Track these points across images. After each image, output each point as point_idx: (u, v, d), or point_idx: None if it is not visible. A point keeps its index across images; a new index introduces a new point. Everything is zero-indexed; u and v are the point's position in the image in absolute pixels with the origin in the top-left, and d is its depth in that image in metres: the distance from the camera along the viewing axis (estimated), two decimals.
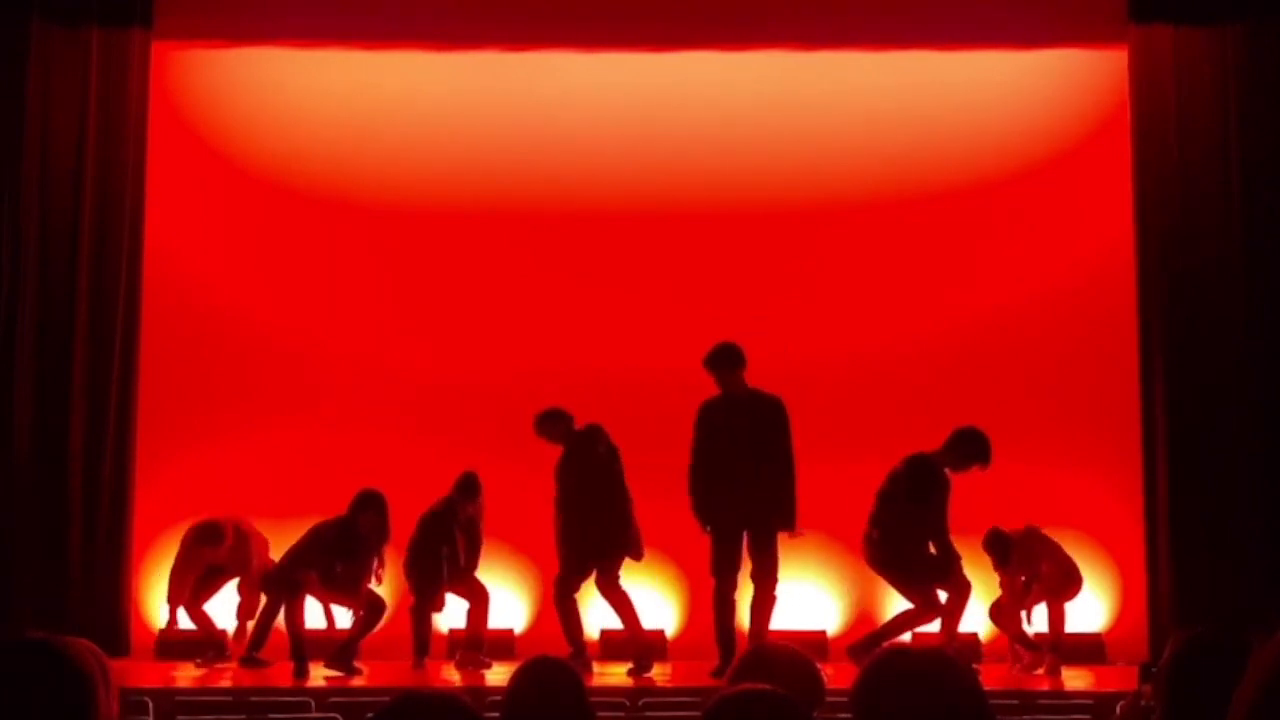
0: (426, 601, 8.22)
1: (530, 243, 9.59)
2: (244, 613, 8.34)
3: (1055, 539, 8.29)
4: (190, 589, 8.32)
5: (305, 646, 7.90)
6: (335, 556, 7.96)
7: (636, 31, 9.55)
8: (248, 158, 9.67)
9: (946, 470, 7.91)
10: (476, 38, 9.60)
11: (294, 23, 9.56)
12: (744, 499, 7.76)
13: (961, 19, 9.51)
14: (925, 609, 7.91)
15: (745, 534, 7.79)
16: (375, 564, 8.12)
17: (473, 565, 8.41)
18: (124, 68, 9.21)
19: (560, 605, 8.08)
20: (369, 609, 8.06)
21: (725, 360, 7.85)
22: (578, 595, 8.13)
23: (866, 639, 7.72)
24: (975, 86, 9.70)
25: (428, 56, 9.75)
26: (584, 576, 8.05)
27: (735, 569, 7.78)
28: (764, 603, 7.75)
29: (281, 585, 7.98)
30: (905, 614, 7.96)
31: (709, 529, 7.84)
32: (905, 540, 7.87)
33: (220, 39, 9.62)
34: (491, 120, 9.63)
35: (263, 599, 8.21)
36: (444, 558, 8.18)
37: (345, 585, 8.04)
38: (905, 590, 7.97)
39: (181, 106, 9.59)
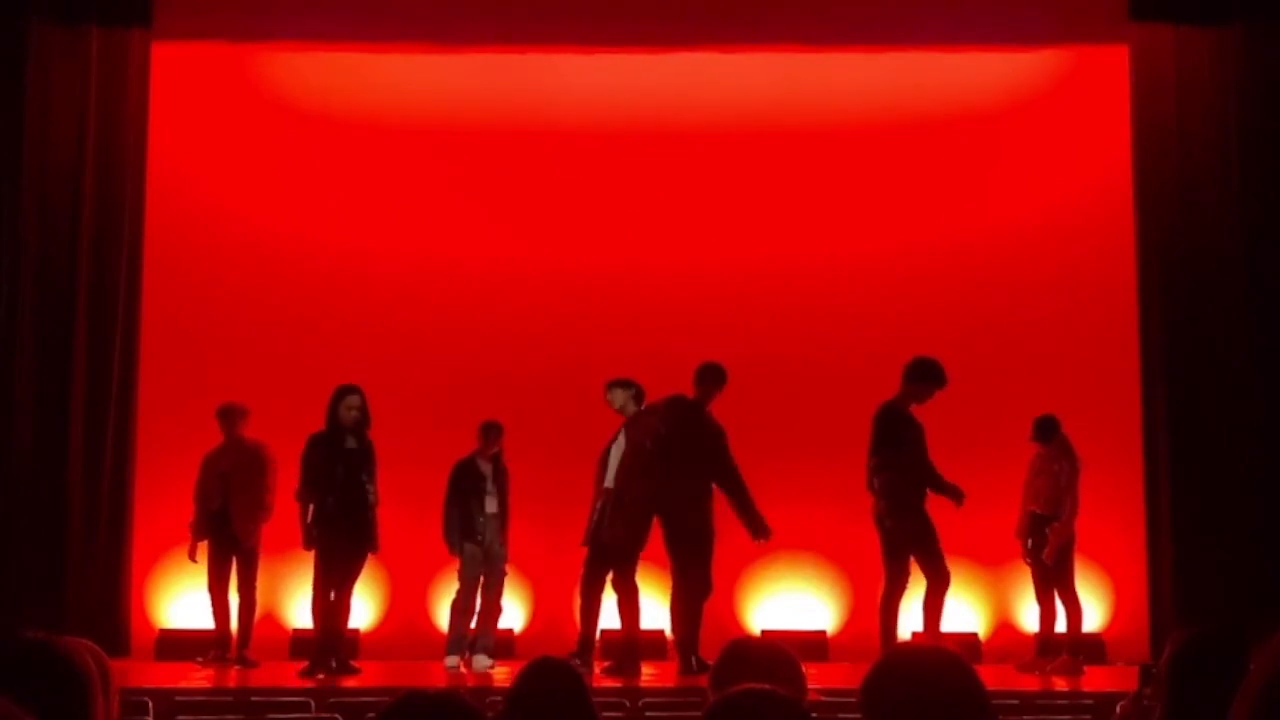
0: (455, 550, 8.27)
1: (530, 243, 9.59)
2: (244, 612, 8.45)
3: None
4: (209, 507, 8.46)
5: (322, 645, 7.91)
6: (340, 466, 7.92)
7: (636, 32, 9.55)
8: (247, 158, 9.67)
9: (910, 408, 7.99)
10: (476, 38, 9.60)
11: (294, 23, 9.55)
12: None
13: (961, 19, 9.50)
14: (891, 580, 7.91)
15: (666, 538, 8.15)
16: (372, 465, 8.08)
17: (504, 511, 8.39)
18: (124, 68, 9.21)
19: (585, 595, 8.15)
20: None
21: (719, 380, 8.19)
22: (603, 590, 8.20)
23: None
24: (975, 86, 9.70)
25: (427, 57, 9.76)
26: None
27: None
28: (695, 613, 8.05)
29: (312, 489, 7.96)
30: (882, 598, 7.96)
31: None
32: (890, 497, 7.89)
33: (220, 39, 9.62)
34: (490, 120, 9.64)
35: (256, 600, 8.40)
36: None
37: (372, 504, 7.98)
38: (884, 554, 7.97)
39: (181, 106, 9.59)
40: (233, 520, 8.45)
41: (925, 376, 7.99)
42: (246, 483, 8.48)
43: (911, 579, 7.98)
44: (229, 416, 8.61)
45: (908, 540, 7.88)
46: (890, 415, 7.95)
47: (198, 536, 8.54)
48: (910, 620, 8.06)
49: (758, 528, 8.09)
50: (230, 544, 8.49)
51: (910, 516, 7.88)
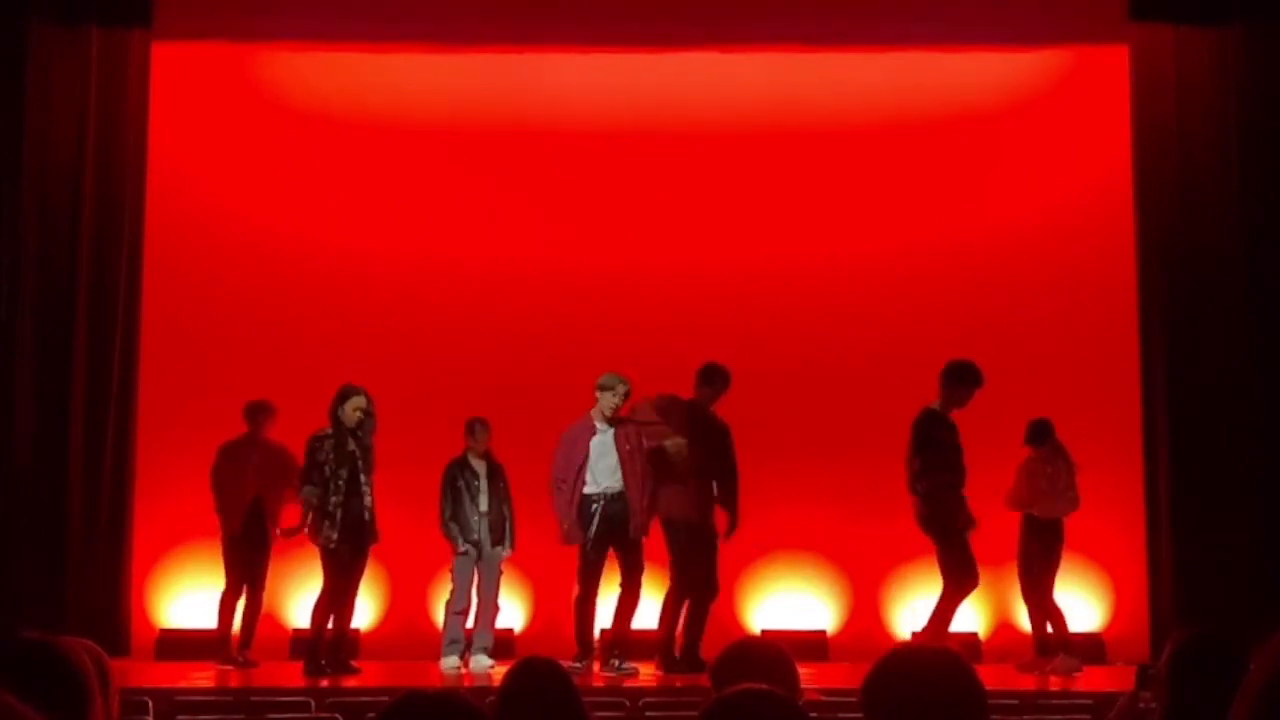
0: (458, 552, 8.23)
1: (530, 243, 9.59)
2: (250, 612, 8.43)
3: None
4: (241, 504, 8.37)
5: (325, 643, 7.91)
6: (345, 468, 7.86)
7: (636, 32, 9.55)
8: (247, 158, 9.67)
9: (949, 412, 7.99)
10: (476, 38, 9.60)
11: (294, 23, 9.55)
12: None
13: (961, 19, 9.50)
14: (951, 584, 7.88)
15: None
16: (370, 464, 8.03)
17: (499, 513, 8.33)
18: (124, 68, 9.21)
19: (581, 602, 8.12)
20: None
21: (725, 381, 8.17)
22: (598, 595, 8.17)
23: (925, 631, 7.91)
24: (975, 86, 9.70)
25: (427, 57, 9.76)
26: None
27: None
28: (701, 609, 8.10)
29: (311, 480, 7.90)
30: (940, 602, 7.94)
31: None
32: (931, 498, 7.89)
33: (220, 39, 9.62)
34: (490, 120, 9.64)
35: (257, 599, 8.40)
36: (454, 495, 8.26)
37: (370, 505, 7.94)
38: (939, 558, 7.96)
39: (181, 106, 9.59)
40: (265, 518, 8.39)
41: (962, 378, 8.00)
42: (277, 483, 8.41)
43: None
44: (258, 413, 8.52)
45: (948, 538, 7.89)
46: (925, 418, 7.96)
47: (232, 523, 8.37)
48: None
49: (727, 525, 8.16)
50: (255, 538, 8.41)
51: (945, 518, 7.87)
